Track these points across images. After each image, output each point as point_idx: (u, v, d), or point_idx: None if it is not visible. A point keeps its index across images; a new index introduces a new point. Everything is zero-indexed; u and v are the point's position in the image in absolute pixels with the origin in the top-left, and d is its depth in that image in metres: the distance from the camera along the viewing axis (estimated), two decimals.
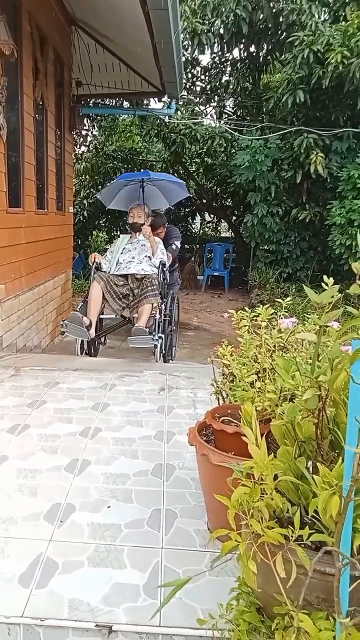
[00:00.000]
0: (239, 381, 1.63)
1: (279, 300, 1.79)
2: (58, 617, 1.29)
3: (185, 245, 11.91)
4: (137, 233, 4.48)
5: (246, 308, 1.87)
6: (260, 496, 1.04)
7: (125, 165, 10.10)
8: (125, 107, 9.12)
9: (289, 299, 1.79)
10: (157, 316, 3.96)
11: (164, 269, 4.40)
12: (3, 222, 4.09)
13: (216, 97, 9.93)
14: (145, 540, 1.60)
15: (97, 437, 2.34)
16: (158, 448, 2.25)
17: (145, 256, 4.34)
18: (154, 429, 2.46)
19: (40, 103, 5.17)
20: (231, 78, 9.61)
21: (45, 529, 1.65)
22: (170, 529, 1.66)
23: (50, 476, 1.97)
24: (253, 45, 8.79)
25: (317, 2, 7.40)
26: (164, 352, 4.07)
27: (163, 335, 3.93)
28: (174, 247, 5.11)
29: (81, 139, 10.55)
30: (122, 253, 4.43)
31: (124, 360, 3.98)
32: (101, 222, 11.22)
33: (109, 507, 1.78)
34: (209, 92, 9.84)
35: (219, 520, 1.51)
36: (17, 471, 2.00)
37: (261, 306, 1.83)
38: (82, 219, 10.02)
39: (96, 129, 11.12)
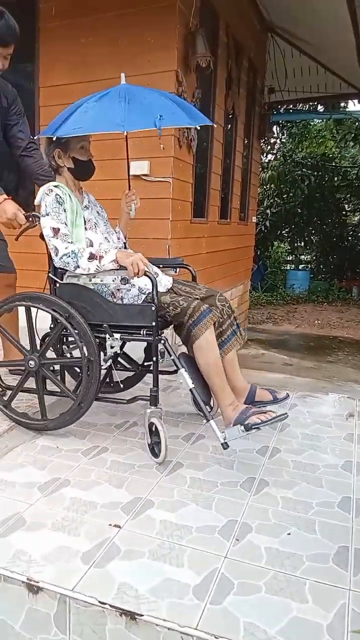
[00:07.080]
0: None
1: None
2: (233, 638, 1.29)
3: None
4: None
5: None
6: None
7: (315, 173, 9.96)
8: (320, 110, 9.03)
9: None
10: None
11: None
12: (187, 233, 4.35)
13: None
14: (330, 578, 1.51)
15: (275, 457, 2.31)
16: (346, 479, 2.13)
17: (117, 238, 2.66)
18: (341, 457, 2.33)
19: (231, 112, 5.40)
20: None
21: (220, 544, 1.67)
22: None
23: (225, 491, 2.00)
24: None
25: None
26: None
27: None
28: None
29: (269, 147, 10.73)
30: (90, 229, 2.42)
31: (304, 380, 3.88)
32: (284, 232, 11.21)
33: (289, 534, 1.73)
34: None
35: None
36: (191, 480, 2.07)
37: None
38: (263, 229, 10.16)
39: (285, 135, 11.20)
